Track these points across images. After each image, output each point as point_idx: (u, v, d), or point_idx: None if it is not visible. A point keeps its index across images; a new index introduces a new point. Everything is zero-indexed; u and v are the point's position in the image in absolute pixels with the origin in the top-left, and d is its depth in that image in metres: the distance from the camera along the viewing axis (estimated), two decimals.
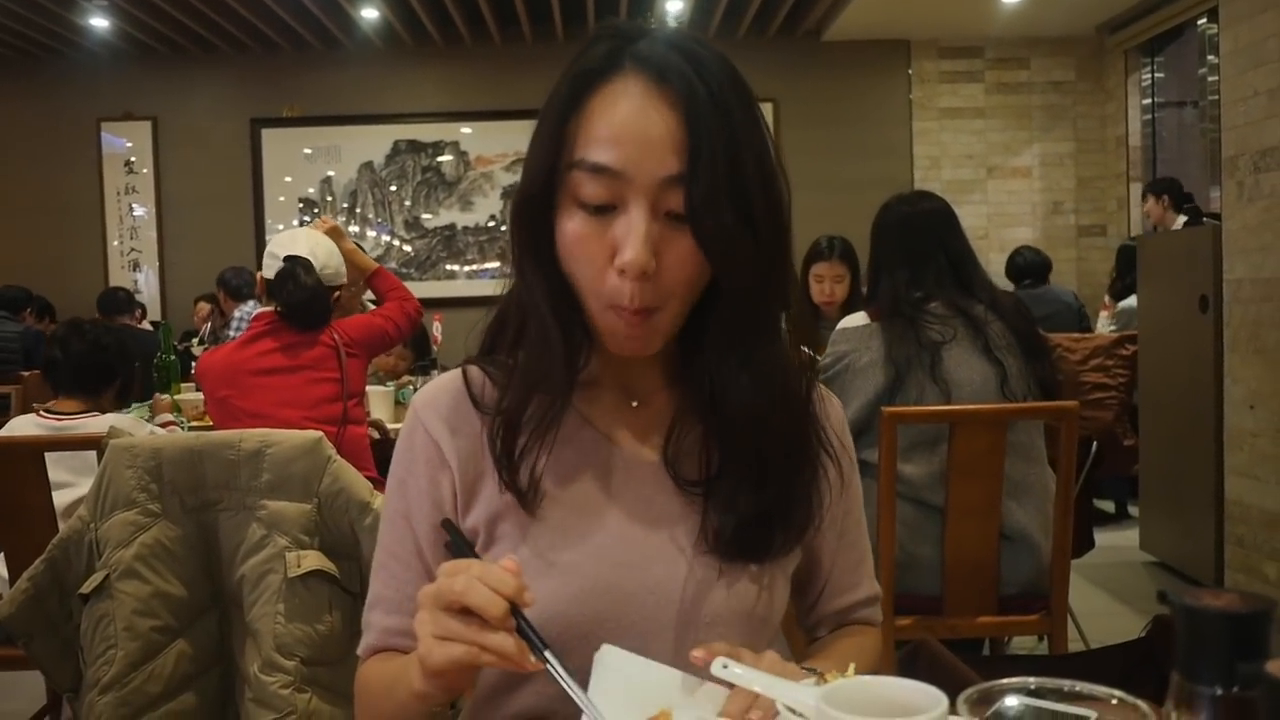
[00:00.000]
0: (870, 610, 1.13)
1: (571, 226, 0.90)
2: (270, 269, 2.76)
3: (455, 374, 1.02)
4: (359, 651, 1.02)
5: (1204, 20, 6.62)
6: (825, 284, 3.75)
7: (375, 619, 1.00)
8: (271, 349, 2.65)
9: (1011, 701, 0.60)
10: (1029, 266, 5.45)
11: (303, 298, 2.65)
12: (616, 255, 0.88)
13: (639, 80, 0.89)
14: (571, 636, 0.90)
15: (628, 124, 0.88)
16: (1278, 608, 0.48)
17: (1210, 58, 6.60)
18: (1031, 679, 0.61)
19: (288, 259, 2.72)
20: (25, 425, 2.59)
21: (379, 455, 2.80)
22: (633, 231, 0.87)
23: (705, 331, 0.96)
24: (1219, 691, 0.48)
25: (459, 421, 0.99)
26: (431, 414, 1.00)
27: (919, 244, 2.42)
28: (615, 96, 0.89)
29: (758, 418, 0.95)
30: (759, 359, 0.95)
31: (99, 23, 7.03)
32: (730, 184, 0.88)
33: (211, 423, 2.85)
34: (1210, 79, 6.55)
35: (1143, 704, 0.57)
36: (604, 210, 0.89)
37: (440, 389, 1.02)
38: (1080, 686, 0.60)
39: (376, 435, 3.06)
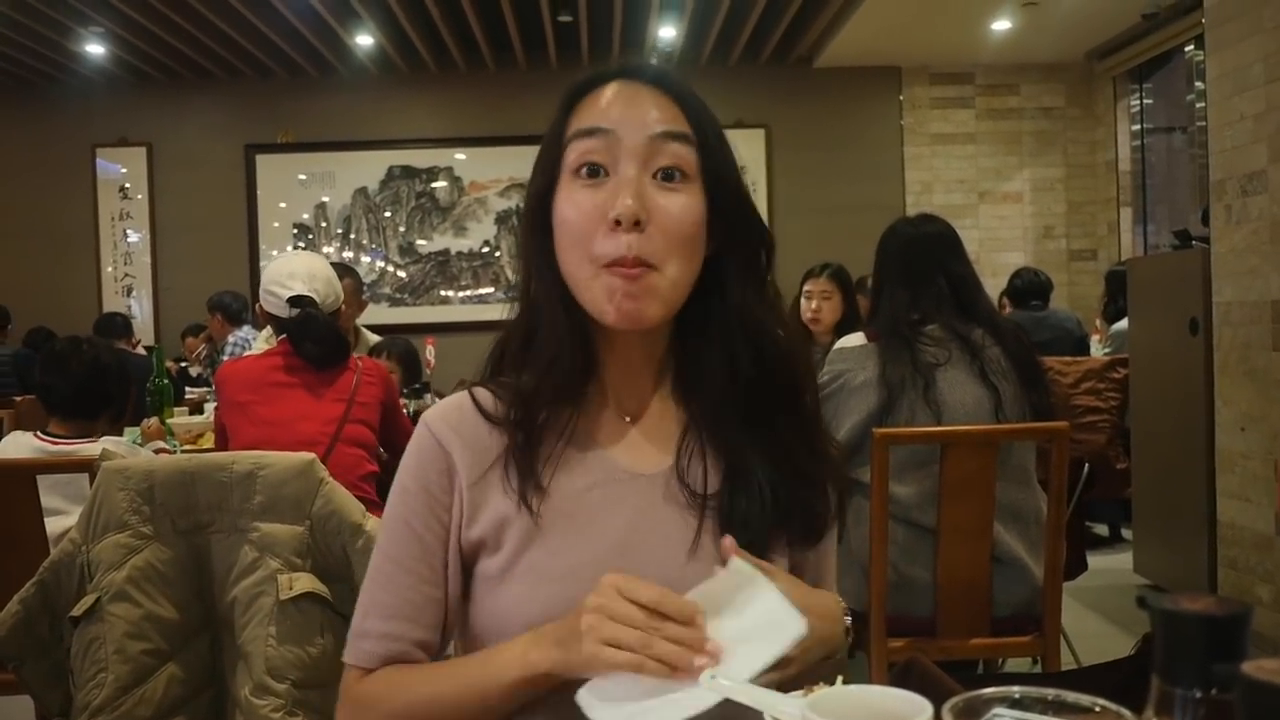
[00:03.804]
0: None
1: (566, 201, 0.97)
2: (273, 305, 2.78)
3: (463, 394, 1.06)
4: (351, 659, 1.01)
5: (1191, 47, 6.70)
6: (813, 300, 3.87)
7: (373, 625, 1.00)
8: (299, 365, 2.69)
9: (996, 711, 0.61)
10: (1035, 287, 5.48)
11: (322, 350, 2.69)
12: (608, 213, 0.94)
13: (623, 80, 1.01)
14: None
15: (614, 98, 0.99)
16: (1254, 611, 0.49)
17: (1197, 84, 6.66)
18: (1016, 688, 0.62)
19: (293, 302, 2.73)
20: (22, 445, 2.58)
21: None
22: (624, 184, 0.94)
23: (700, 341, 1.01)
24: (1197, 694, 0.49)
25: (468, 434, 1.02)
26: (442, 425, 1.03)
27: (920, 266, 2.43)
28: (603, 90, 1.00)
29: (765, 386, 1.00)
30: (765, 326, 1.01)
31: (95, 49, 7.06)
32: (724, 147, 1.00)
33: (214, 436, 2.88)
34: (1198, 105, 6.61)
35: (1126, 712, 0.58)
36: (596, 175, 0.96)
37: (450, 405, 1.06)
38: (1064, 695, 0.60)
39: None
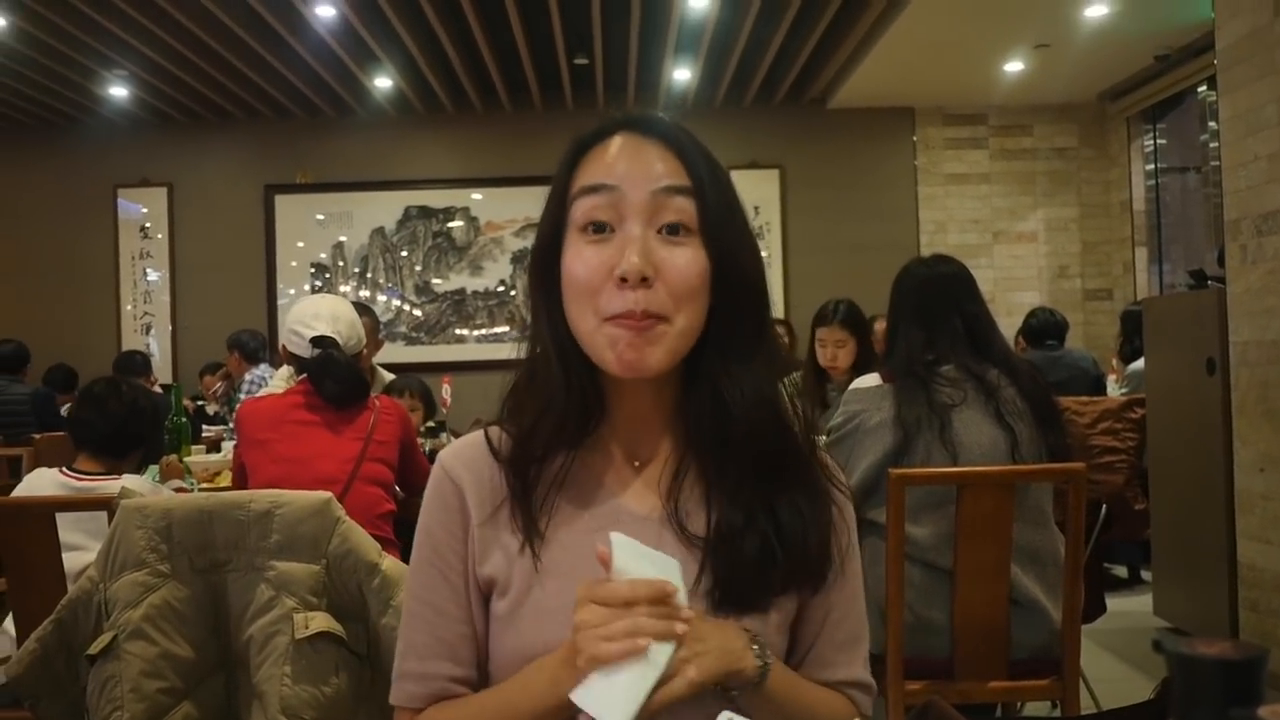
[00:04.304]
0: (852, 691, 1.09)
1: (573, 255, 0.98)
2: (296, 345, 2.82)
3: (479, 432, 1.08)
4: (395, 701, 1.04)
5: (1204, 88, 6.73)
6: (828, 349, 3.77)
7: (411, 667, 1.03)
8: (319, 404, 2.72)
9: None
10: (1050, 327, 5.47)
11: (342, 390, 2.72)
12: (614, 270, 0.95)
13: (628, 136, 1.02)
14: None
15: (618, 153, 1.00)
16: (1269, 654, 0.49)
17: (1211, 124, 6.69)
18: None
19: (316, 341, 2.77)
20: (48, 481, 2.60)
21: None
22: (629, 242, 0.95)
23: (703, 389, 1.02)
24: None
25: (480, 472, 1.05)
26: (456, 464, 1.06)
27: (935, 307, 2.44)
28: (607, 145, 1.02)
29: (754, 431, 1.00)
30: (756, 373, 1.01)
31: (117, 91, 7.18)
32: (727, 199, 1.00)
33: (231, 474, 2.91)
34: (1211, 145, 6.63)
35: None
36: (602, 231, 0.97)
37: (465, 444, 1.08)
38: None
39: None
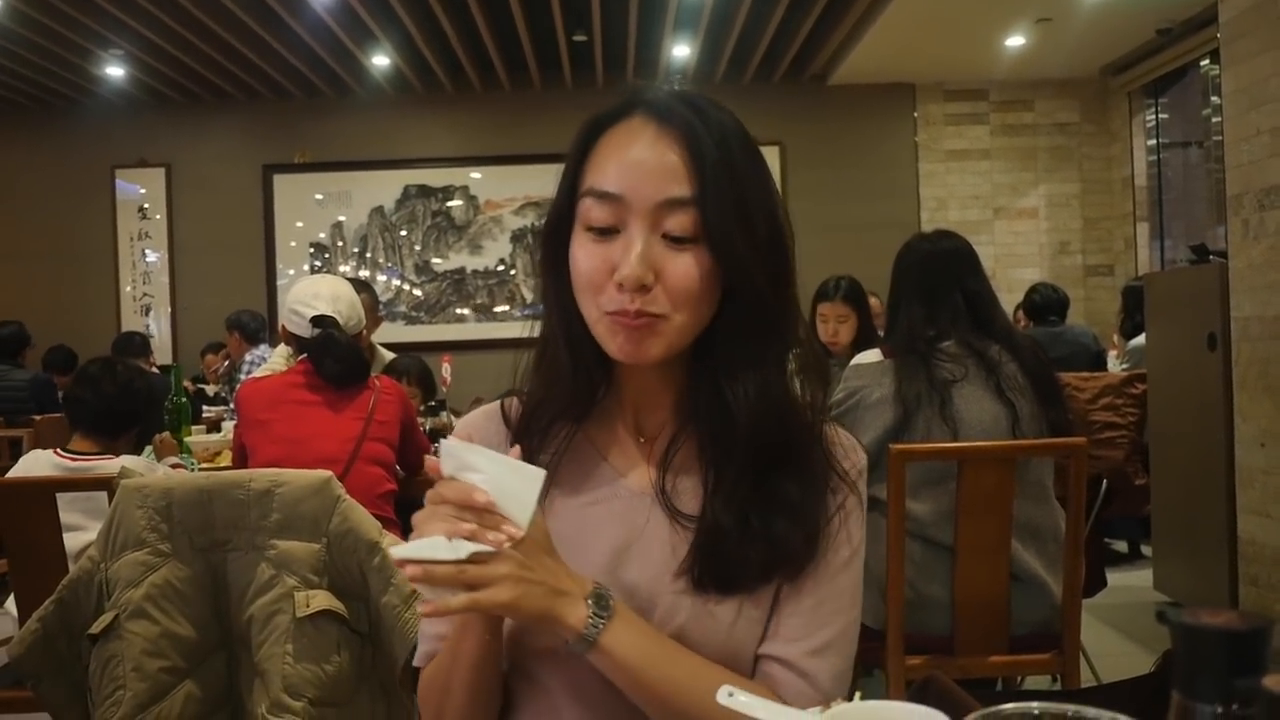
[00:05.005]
0: (775, 668, 1.01)
1: (579, 248, 0.99)
2: (296, 325, 2.83)
3: (495, 403, 1.13)
4: (416, 662, 1.10)
5: (1206, 61, 6.69)
6: (829, 324, 3.75)
7: (424, 629, 1.09)
8: (319, 384, 2.73)
9: None
10: (1052, 303, 5.47)
11: (342, 369, 2.74)
12: (616, 271, 0.96)
13: (644, 122, 1.00)
14: (548, 652, 0.99)
15: (630, 155, 0.98)
16: (1275, 625, 0.49)
17: (1213, 98, 6.65)
18: (1035, 704, 0.62)
19: (316, 321, 2.79)
20: (42, 462, 2.60)
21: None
22: (630, 249, 0.95)
23: (710, 373, 1.02)
24: (1219, 709, 0.48)
25: (488, 441, 1.07)
26: (463, 432, 1.10)
27: (936, 282, 2.43)
28: (622, 135, 1.00)
29: (756, 431, 1.00)
30: (763, 375, 1.01)
31: (114, 71, 7.14)
32: (736, 205, 0.98)
33: (231, 454, 2.94)
34: (1214, 119, 6.60)
35: None
36: (608, 233, 0.97)
37: (478, 414, 1.13)
38: (1084, 711, 0.60)
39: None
